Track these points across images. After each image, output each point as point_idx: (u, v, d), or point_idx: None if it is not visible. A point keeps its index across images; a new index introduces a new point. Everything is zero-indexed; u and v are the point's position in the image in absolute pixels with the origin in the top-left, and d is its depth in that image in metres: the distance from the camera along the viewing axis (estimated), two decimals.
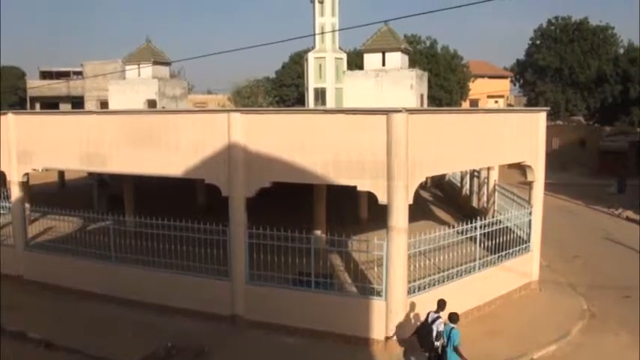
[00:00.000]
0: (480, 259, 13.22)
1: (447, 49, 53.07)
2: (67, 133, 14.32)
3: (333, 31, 28.51)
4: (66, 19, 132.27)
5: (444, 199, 28.02)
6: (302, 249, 11.79)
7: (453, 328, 9.75)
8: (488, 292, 13.49)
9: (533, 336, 12.08)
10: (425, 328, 10.21)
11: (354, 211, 20.82)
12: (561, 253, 18.56)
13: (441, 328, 9.91)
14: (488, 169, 19.51)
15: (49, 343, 11.90)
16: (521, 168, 15.26)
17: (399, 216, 10.95)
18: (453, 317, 9.89)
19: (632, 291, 14.61)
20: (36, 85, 45.41)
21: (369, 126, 11.04)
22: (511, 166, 16.98)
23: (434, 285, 12.17)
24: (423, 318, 10.64)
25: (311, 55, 30.05)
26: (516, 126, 14.05)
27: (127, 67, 31.30)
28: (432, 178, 28.67)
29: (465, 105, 55.75)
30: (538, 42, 57.41)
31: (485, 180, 20.30)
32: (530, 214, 14.81)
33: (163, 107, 29.38)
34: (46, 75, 49.96)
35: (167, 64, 32.19)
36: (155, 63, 30.66)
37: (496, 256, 13.82)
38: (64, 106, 44.81)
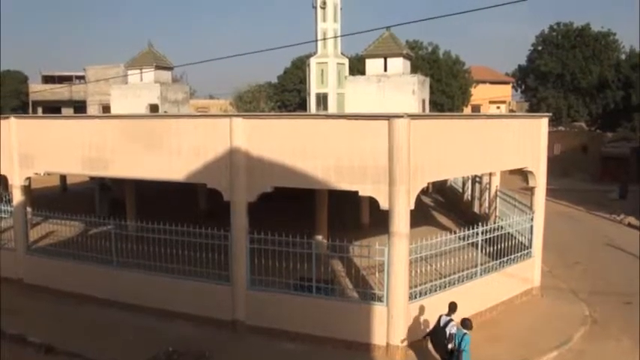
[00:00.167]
0: (481, 264, 13.20)
1: (448, 55, 53.21)
2: (69, 137, 14.36)
3: (336, 37, 28.53)
4: (68, 24, 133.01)
5: (446, 205, 28.01)
6: (303, 254, 11.79)
7: (465, 333, 9.71)
8: (489, 298, 13.47)
9: (534, 342, 12.05)
10: (439, 331, 10.20)
11: (355, 216, 20.83)
12: (563, 259, 18.53)
13: (454, 330, 9.90)
14: (490, 174, 19.48)
15: (49, 347, 11.89)
16: (522, 174, 15.28)
17: (400, 221, 10.94)
18: (467, 323, 9.80)
19: (633, 297, 14.58)
20: (38, 90, 45.56)
21: (371, 131, 11.05)
22: (513, 171, 16.99)
23: (435, 291, 12.16)
24: (432, 321, 10.62)
25: (313, 61, 30.07)
26: (518, 132, 14.06)
27: (130, 72, 31.30)
28: (434, 183, 28.78)
29: (467, 110, 55.81)
30: (540, 48, 57.33)
31: (487, 185, 20.28)
32: (532, 219, 14.80)
33: (165, 112, 29.41)
34: (48, 79, 49.98)
35: (169, 68, 32.22)
36: (157, 67, 30.68)
37: (497, 262, 13.80)
38: (67, 111, 44.87)
